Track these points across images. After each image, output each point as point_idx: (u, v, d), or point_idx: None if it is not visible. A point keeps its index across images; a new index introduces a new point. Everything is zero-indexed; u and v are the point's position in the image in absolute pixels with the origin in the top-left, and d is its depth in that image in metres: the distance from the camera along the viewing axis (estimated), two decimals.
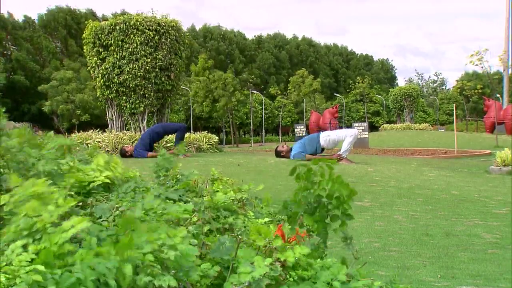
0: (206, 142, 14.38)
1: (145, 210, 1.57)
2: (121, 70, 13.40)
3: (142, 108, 13.59)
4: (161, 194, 1.93)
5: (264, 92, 60.41)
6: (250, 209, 2.14)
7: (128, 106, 13.59)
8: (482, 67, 23.51)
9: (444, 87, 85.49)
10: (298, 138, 28.18)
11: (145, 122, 13.74)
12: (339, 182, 1.58)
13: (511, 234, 4.79)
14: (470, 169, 11.08)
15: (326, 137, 10.46)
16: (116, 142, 12.62)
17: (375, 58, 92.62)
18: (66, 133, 31.87)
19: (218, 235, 1.71)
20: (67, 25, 56.94)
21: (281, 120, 52.37)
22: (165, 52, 13.59)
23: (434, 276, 3.54)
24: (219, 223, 1.84)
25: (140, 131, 13.42)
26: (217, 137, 15.50)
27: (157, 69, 13.51)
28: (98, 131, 14.40)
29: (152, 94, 13.53)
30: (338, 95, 62.69)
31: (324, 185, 1.59)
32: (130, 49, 13.29)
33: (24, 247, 1.22)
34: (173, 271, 1.26)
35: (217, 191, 2.22)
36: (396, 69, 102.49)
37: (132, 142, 12.39)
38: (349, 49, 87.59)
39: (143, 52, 13.32)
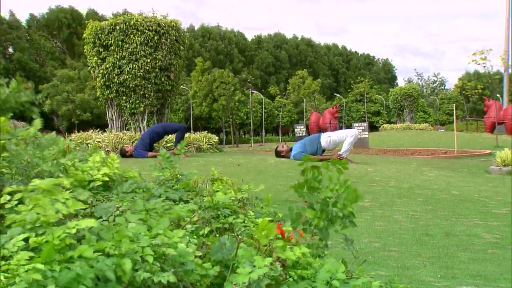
0: (206, 142, 14.39)
1: (147, 210, 1.57)
2: (121, 70, 13.41)
3: (142, 108, 13.60)
4: (162, 194, 1.94)
5: (264, 92, 60.36)
6: (250, 209, 2.14)
7: (128, 106, 13.60)
8: (484, 66, 23.52)
9: (443, 87, 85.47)
10: (298, 138, 28.18)
11: (145, 122, 13.74)
12: (347, 186, 1.61)
13: (511, 234, 4.79)
14: (470, 169, 11.08)
15: (327, 138, 10.46)
16: (116, 142, 12.63)
17: (375, 58, 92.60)
18: (66, 133, 31.90)
19: (218, 235, 1.71)
20: (70, 25, 57.00)
21: (281, 120, 52.34)
22: (165, 52, 13.59)
23: (434, 276, 3.54)
24: (219, 222, 1.84)
25: (140, 131, 13.42)
26: (217, 137, 15.50)
27: (157, 69, 13.51)
28: (98, 131, 14.41)
29: (152, 94, 13.54)
30: (338, 95, 62.65)
31: (332, 187, 1.62)
32: (130, 49, 13.31)
33: (26, 240, 1.23)
34: (172, 270, 1.26)
35: (217, 191, 2.22)
36: (396, 69, 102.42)
37: (132, 142, 12.40)
38: (348, 49, 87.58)
39: (143, 52, 13.32)
